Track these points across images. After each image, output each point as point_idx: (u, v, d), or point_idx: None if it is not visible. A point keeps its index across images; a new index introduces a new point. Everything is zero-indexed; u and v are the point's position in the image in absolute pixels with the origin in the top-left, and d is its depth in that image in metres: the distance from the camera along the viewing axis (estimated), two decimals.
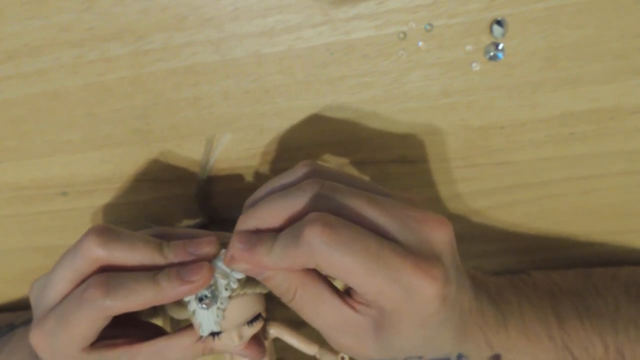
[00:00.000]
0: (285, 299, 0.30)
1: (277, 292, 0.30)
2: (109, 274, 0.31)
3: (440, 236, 0.28)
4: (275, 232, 0.29)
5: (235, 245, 0.30)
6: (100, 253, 0.31)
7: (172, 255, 0.31)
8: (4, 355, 0.39)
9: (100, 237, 0.31)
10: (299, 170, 0.31)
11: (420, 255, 0.27)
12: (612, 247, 0.41)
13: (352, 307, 0.29)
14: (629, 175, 0.38)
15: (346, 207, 0.28)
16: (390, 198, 0.29)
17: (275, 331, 0.38)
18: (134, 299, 0.30)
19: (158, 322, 0.39)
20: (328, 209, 0.28)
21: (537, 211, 0.40)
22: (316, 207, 0.28)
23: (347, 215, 0.28)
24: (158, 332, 0.35)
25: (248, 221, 0.30)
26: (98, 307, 0.30)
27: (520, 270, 0.36)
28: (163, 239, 0.32)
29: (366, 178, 0.40)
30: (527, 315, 0.33)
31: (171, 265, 0.31)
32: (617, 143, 0.37)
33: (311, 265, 0.28)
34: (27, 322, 0.41)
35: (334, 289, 0.30)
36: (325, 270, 0.28)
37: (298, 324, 0.42)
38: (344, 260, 0.27)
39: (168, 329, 0.39)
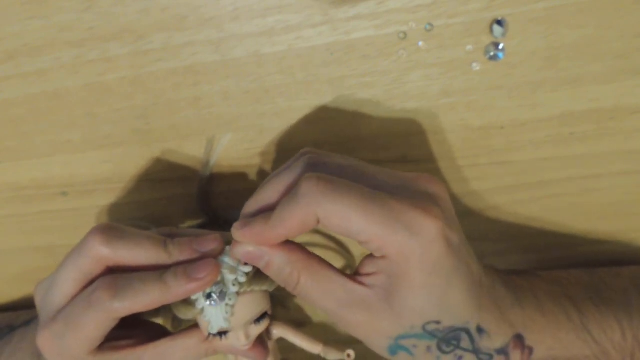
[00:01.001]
0: (289, 286, 0.30)
1: (280, 279, 0.30)
2: (116, 276, 0.31)
3: (435, 189, 0.29)
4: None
5: (235, 227, 0.30)
6: (104, 251, 0.30)
7: (177, 252, 0.31)
8: (4, 356, 0.39)
9: (104, 235, 0.31)
10: (295, 158, 0.32)
11: (415, 197, 0.28)
12: (612, 246, 0.41)
13: (361, 283, 0.29)
14: (628, 175, 0.38)
15: (340, 172, 0.29)
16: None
17: (279, 331, 0.38)
18: (142, 299, 0.30)
19: (159, 321, 0.39)
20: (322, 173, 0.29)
21: (537, 211, 0.40)
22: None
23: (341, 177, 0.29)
24: (161, 332, 0.35)
25: (249, 206, 0.31)
26: (106, 309, 0.30)
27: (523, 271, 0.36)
28: (168, 237, 0.32)
29: None
30: (541, 298, 0.33)
31: (177, 264, 0.31)
32: (617, 143, 0.37)
33: (311, 221, 0.28)
34: (27, 322, 0.41)
35: (339, 270, 0.30)
36: (325, 222, 0.28)
37: (300, 324, 0.42)
38: (342, 206, 0.27)
39: (169, 327, 0.39)
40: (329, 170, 0.29)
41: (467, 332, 0.29)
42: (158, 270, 0.31)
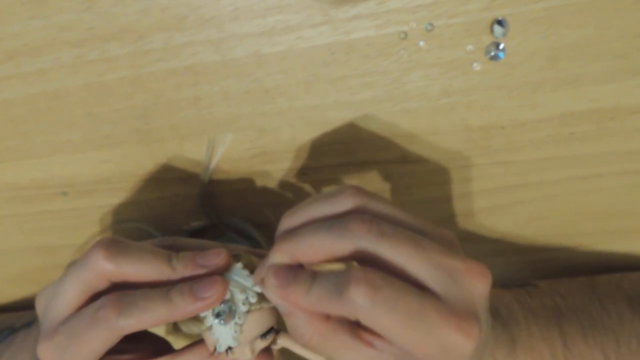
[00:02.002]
0: (298, 340, 0.30)
1: (291, 331, 0.30)
2: (122, 293, 0.30)
3: (480, 289, 0.28)
4: (308, 271, 0.29)
5: (271, 282, 0.29)
6: (108, 267, 0.30)
7: (182, 267, 0.31)
8: (5, 358, 0.39)
9: (107, 250, 0.30)
10: (345, 199, 0.30)
11: (460, 312, 0.28)
12: (612, 246, 0.41)
13: (371, 346, 0.29)
14: (629, 175, 0.38)
15: (392, 256, 0.28)
16: (429, 240, 0.29)
17: (282, 341, 0.37)
18: (148, 318, 0.29)
19: (159, 330, 0.39)
20: (373, 257, 0.28)
21: (537, 211, 0.40)
22: (362, 253, 0.28)
23: (392, 265, 0.28)
24: (164, 347, 0.35)
25: (286, 251, 0.30)
26: (111, 327, 0.29)
27: (522, 270, 0.36)
28: (171, 250, 0.32)
29: (367, 178, 0.40)
30: (534, 335, 0.34)
31: (182, 280, 0.31)
32: (617, 143, 0.37)
33: (351, 318, 0.28)
34: (28, 324, 0.41)
35: (351, 330, 0.29)
36: (365, 324, 0.28)
37: None
38: (387, 319, 0.27)
39: (165, 332, 0.39)
40: (384, 253, 0.28)
41: None
42: (164, 287, 0.30)
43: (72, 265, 0.32)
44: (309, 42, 0.36)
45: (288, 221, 0.31)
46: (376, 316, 0.27)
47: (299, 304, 0.29)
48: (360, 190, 0.30)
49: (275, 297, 0.30)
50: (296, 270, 0.29)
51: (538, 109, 0.36)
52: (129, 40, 0.36)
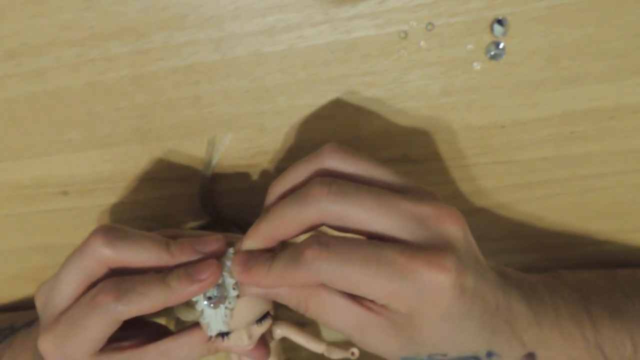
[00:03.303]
0: (300, 311, 0.31)
1: (291, 306, 0.31)
2: (119, 279, 0.31)
3: (453, 229, 0.28)
4: (271, 252, 0.30)
5: (235, 268, 0.30)
6: (107, 252, 0.30)
7: (179, 252, 0.31)
8: (6, 358, 0.38)
9: (106, 236, 0.31)
10: (319, 162, 0.31)
11: (429, 249, 0.27)
12: (613, 246, 0.41)
13: (369, 309, 0.29)
14: (629, 174, 0.38)
15: (356, 214, 0.28)
16: (403, 194, 0.29)
17: (282, 331, 0.37)
18: (146, 302, 0.30)
19: (162, 321, 0.39)
20: (334, 216, 0.28)
21: (538, 210, 0.40)
22: (321, 216, 0.29)
23: (353, 222, 0.28)
24: (163, 332, 0.35)
25: (261, 234, 0.30)
26: (109, 313, 0.30)
27: (522, 269, 0.36)
28: (170, 238, 0.32)
29: None
30: (561, 314, 0.33)
31: (179, 266, 0.31)
32: (618, 142, 0.37)
33: (314, 284, 0.29)
34: (29, 323, 0.41)
35: (349, 295, 0.30)
36: (332, 286, 0.28)
37: (302, 324, 0.42)
38: (346, 273, 0.27)
39: (172, 327, 0.39)
40: (343, 211, 0.29)
41: (476, 358, 0.30)
42: (161, 273, 0.31)
43: (71, 255, 0.32)
44: (309, 41, 0.36)
45: (269, 195, 0.32)
46: (335, 275, 0.27)
47: (264, 283, 0.30)
48: (334, 151, 0.30)
49: (244, 282, 0.30)
50: (256, 254, 0.30)
51: (538, 108, 0.36)
52: (129, 39, 0.36)
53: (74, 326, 0.30)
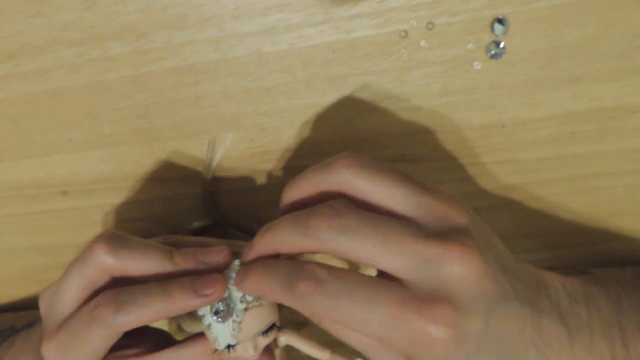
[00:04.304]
0: (314, 322, 0.30)
1: (305, 314, 0.30)
2: (119, 290, 0.30)
3: (459, 271, 0.26)
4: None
5: (236, 280, 0.30)
6: (109, 261, 0.30)
7: (183, 262, 0.31)
8: (8, 356, 0.38)
9: (109, 244, 0.30)
10: (330, 176, 0.30)
11: (425, 298, 0.26)
12: (613, 246, 0.41)
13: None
14: (629, 174, 0.38)
15: (357, 252, 0.27)
16: (414, 226, 0.28)
17: (286, 338, 0.37)
18: (146, 314, 0.29)
19: (163, 325, 0.39)
20: (333, 250, 0.28)
21: (538, 210, 0.40)
22: (321, 248, 0.28)
23: (352, 258, 0.28)
24: (166, 340, 0.34)
25: (261, 249, 0.30)
26: (109, 325, 0.29)
27: None
28: (174, 247, 0.32)
29: None
30: (595, 331, 0.31)
31: (182, 274, 0.31)
32: (618, 142, 0.37)
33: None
34: (29, 324, 0.41)
35: None
36: (327, 329, 0.29)
37: (300, 324, 0.42)
38: (338, 313, 0.27)
39: (171, 329, 0.39)
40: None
41: None
42: (162, 282, 0.30)
43: (73, 262, 0.31)
44: (309, 41, 0.36)
45: (282, 203, 0.32)
46: (330, 312, 0.27)
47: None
48: (347, 166, 0.29)
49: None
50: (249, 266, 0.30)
51: (539, 108, 0.36)
52: (129, 39, 0.36)
53: (74, 337, 0.30)
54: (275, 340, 0.37)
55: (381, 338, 0.27)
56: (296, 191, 0.31)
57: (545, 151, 0.38)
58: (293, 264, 0.29)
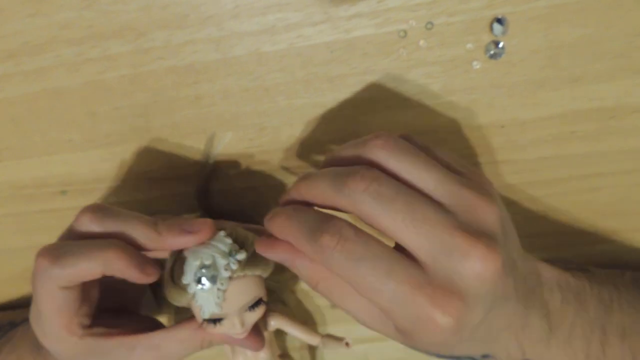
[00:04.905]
0: (309, 285, 0.30)
1: (302, 278, 0.31)
2: (57, 243, 0.31)
3: (476, 268, 0.27)
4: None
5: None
6: (94, 229, 0.31)
7: (167, 231, 0.31)
8: (6, 351, 0.39)
9: (94, 214, 0.31)
10: (369, 150, 0.30)
11: (439, 286, 0.27)
12: (614, 245, 0.40)
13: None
14: (630, 173, 0.38)
15: (385, 222, 0.28)
16: (446, 211, 0.28)
17: (277, 322, 0.37)
18: (84, 265, 0.29)
19: (162, 319, 0.39)
20: (363, 214, 0.28)
21: (538, 210, 0.40)
22: (352, 209, 0.28)
23: (380, 226, 0.28)
24: (157, 326, 0.35)
25: (296, 194, 0.31)
26: (48, 277, 0.29)
27: None
28: None
29: None
30: (575, 332, 0.32)
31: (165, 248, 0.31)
32: (618, 142, 0.37)
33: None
34: (28, 318, 0.41)
35: None
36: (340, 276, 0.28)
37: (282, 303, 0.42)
38: (353, 273, 0.27)
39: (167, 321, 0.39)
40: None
41: (471, 358, 0.31)
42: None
43: (62, 234, 0.32)
44: (308, 41, 0.36)
45: (326, 160, 0.32)
46: (346, 270, 0.27)
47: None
48: (380, 147, 0.29)
49: (275, 250, 0.30)
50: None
51: (538, 107, 0.36)
52: (129, 38, 0.36)
53: (34, 302, 0.31)
54: (265, 324, 0.36)
55: (385, 309, 0.27)
56: (331, 161, 0.32)
57: (545, 151, 0.38)
58: (323, 215, 0.29)
